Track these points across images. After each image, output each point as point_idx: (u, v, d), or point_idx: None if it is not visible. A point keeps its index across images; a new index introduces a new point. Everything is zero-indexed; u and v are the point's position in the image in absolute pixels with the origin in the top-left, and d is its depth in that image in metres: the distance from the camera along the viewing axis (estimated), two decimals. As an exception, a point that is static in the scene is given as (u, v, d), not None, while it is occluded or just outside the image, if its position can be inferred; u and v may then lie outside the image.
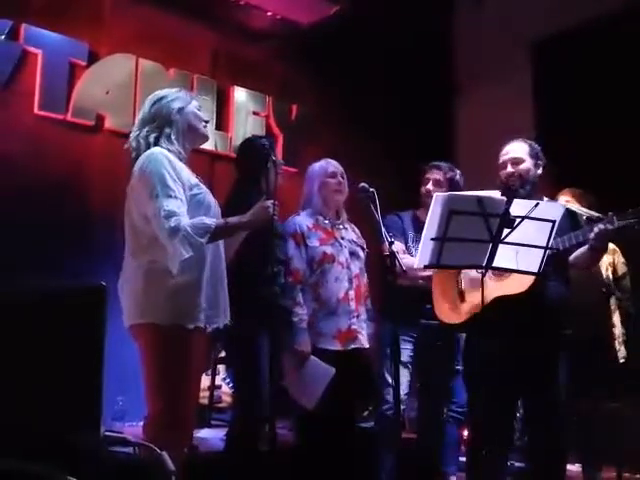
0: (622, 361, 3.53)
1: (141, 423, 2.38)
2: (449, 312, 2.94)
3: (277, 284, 2.99)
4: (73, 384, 1.38)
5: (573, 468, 3.59)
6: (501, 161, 2.95)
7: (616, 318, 3.57)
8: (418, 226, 3.39)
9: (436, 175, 3.49)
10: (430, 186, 3.48)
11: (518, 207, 2.49)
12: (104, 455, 1.48)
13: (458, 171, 3.53)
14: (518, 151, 2.92)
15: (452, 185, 3.46)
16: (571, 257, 2.83)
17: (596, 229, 2.66)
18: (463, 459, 3.47)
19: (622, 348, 3.54)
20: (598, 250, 2.76)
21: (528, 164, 2.89)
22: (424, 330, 3.27)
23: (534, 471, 2.85)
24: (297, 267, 3.22)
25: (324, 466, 3.20)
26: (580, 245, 2.75)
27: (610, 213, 2.69)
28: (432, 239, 2.47)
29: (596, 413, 3.44)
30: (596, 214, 3.15)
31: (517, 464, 3.45)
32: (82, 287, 1.48)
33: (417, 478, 3.40)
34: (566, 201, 3.57)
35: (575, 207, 3.24)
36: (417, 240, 3.33)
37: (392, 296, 2.86)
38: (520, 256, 2.53)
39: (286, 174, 3.32)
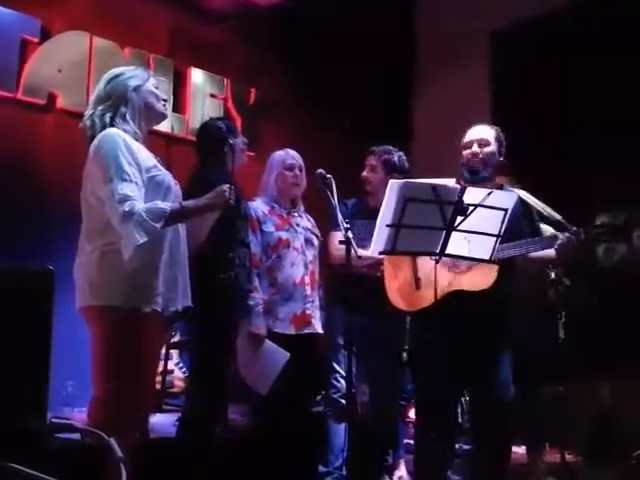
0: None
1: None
2: (403, 297, 2.93)
3: (239, 267, 2.98)
4: (18, 369, 1.35)
5: (518, 450, 3.68)
6: (467, 140, 2.93)
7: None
8: (363, 212, 3.39)
9: (371, 161, 3.50)
10: (365, 172, 3.49)
11: (472, 195, 2.52)
12: (49, 441, 1.45)
13: (397, 153, 3.50)
14: (485, 133, 2.93)
15: (389, 167, 3.45)
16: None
17: (560, 241, 2.69)
18: (409, 441, 3.53)
19: (560, 329, 3.63)
20: (561, 259, 2.81)
21: (493, 148, 2.90)
22: (366, 317, 3.28)
23: (480, 454, 2.90)
24: (254, 252, 3.24)
25: (278, 450, 3.22)
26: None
27: (574, 228, 2.72)
28: (387, 225, 2.48)
29: (540, 396, 3.52)
30: (557, 215, 3.22)
31: (465, 447, 3.52)
32: (29, 270, 1.45)
33: (367, 461, 3.44)
34: None
35: (532, 200, 3.30)
36: (363, 226, 3.34)
37: (344, 283, 2.87)
38: (472, 244, 2.56)
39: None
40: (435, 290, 2.63)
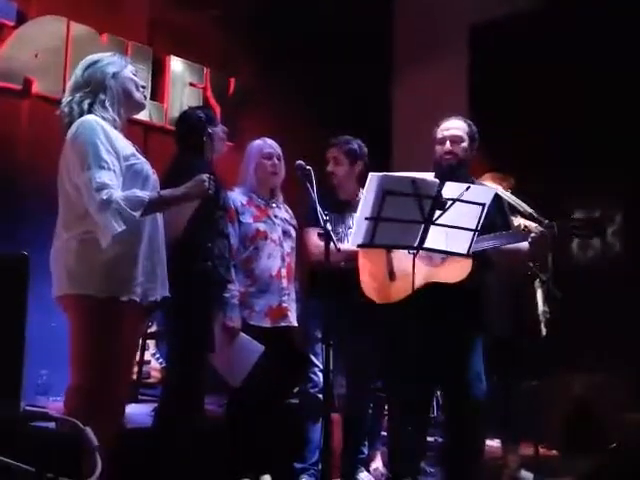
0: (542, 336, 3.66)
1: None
2: (377, 291, 2.94)
3: (218, 258, 2.96)
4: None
5: (493, 444, 3.72)
6: (440, 136, 2.93)
7: (539, 296, 3.70)
8: (331, 206, 3.30)
9: (333, 153, 3.46)
10: (330, 167, 3.47)
11: (450, 189, 2.53)
12: (24, 429, 1.43)
13: (356, 141, 3.47)
14: (459, 129, 2.92)
15: (352, 156, 3.42)
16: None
17: (533, 234, 2.72)
18: (385, 434, 3.54)
19: (542, 326, 3.67)
20: (534, 252, 2.83)
21: (466, 144, 2.90)
22: (343, 309, 3.26)
23: (452, 447, 2.92)
24: (231, 243, 3.21)
25: (253, 442, 3.22)
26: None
27: (547, 221, 2.76)
28: (366, 218, 2.49)
29: (515, 391, 3.56)
30: (529, 209, 3.25)
31: (440, 439, 3.54)
32: (3, 256, 1.42)
33: (344, 453, 3.45)
34: None
35: (507, 194, 3.32)
36: (333, 219, 3.25)
37: (322, 276, 2.86)
38: (450, 238, 2.57)
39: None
40: (413, 282, 2.64)
